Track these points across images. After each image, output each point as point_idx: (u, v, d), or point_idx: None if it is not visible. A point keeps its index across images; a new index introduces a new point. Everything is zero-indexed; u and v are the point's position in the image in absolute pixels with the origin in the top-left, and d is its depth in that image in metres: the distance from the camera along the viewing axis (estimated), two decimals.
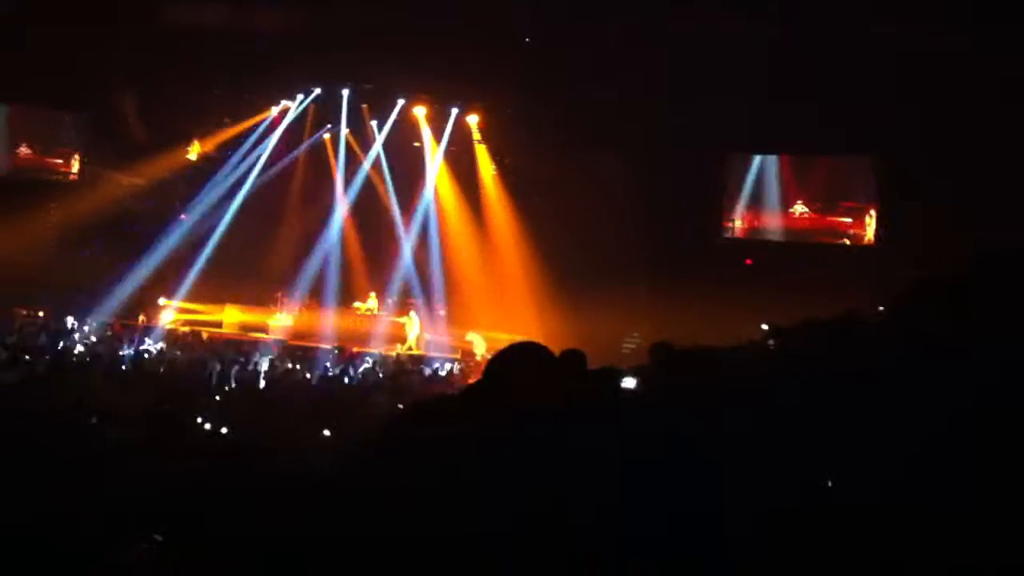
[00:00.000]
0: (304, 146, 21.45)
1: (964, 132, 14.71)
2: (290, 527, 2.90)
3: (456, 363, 17.50)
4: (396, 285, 20.47)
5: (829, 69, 15.22)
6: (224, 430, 6.64)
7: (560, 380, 2.82)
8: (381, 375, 14.44)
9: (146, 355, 14.56)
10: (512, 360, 2.81)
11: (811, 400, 2.10)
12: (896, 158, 16.51)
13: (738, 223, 19.45)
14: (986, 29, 13.53)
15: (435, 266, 20.35)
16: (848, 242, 18.42)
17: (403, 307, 20.18)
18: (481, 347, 18.40)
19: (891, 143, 16.19)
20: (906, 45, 14.56)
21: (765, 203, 19.21)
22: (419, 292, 20.28)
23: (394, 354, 17.55)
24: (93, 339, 16.06)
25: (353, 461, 3.24)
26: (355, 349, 17.07)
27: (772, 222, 19.20)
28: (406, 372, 15.05)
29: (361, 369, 15.04)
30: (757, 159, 19.15)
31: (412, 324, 19.24)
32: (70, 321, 17.03)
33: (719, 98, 16.08)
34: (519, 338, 18.19)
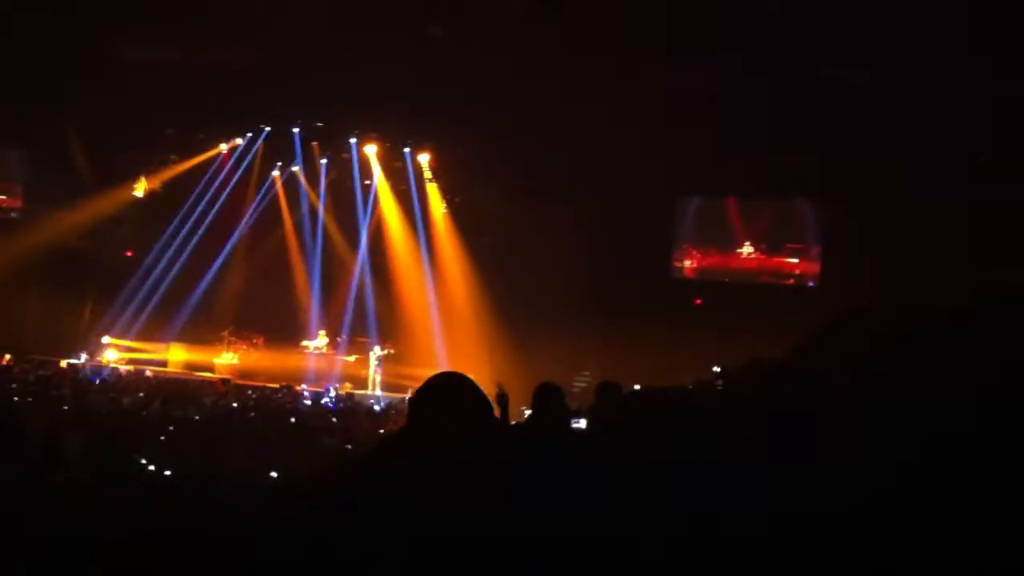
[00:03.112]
0: (253, 184, 21.31)
1: (909, 176, 15.05)
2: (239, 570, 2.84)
3: (406, 400, 17.37)
4: (346, 324, 20.34)
5: (775, 113, 15.49)
6: (167, 472, 6.51)
7: (487, 412, 2.75)
8: (330, 413, 14.27)
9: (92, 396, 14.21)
10: (435, 396, 2.73)
11: (757, 439, 2.12)
12: (840, 200, 16.85)
13: (687, 263, 19.68)
14: (934, 77, 13.85)
15: (385, 305, 20.24)
16: (794, 282, 18.73)
17: (356, 346, 20.02)
18: None
19: (835, 186, 16.53)
20: (853, 91, 14.88)
21: (713, 244, 19.49)
22: (369, 331, 20.14)
23: (344, 392, 17.38)
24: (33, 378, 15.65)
25: (302, 502, 3.20)
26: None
27: (720, 262, 19.46)
28: (354, 411, 14.90)
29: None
30: (705, 200, 19.44)
31: (371, 363, 19.06)
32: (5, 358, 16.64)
33: (668, 141, 16.27)
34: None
